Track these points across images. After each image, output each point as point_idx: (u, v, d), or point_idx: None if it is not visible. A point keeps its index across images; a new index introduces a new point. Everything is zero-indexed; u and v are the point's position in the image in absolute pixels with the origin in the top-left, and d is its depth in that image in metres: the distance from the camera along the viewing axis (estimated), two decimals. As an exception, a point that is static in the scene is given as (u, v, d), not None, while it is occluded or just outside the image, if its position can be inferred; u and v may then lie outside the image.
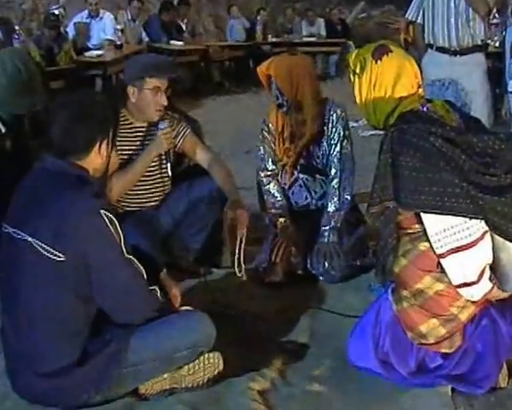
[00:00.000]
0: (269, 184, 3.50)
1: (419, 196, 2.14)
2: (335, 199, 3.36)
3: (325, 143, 3.41)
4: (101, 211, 2.14)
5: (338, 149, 3.38)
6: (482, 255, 2.18)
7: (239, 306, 3.06)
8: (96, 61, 8.36)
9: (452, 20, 4.18)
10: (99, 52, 8.57)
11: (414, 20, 4.48)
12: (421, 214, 2.19)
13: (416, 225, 2.22)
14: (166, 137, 3.25)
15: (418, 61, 3.54)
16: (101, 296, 2.20)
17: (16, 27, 7.41)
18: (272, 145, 3.49)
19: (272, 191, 3.49)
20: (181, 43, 10.04)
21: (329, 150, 3.40)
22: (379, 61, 2.37)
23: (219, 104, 9.41)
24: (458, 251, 2.15)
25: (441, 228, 2.15)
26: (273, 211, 3.48)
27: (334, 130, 3.39)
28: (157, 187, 3.38)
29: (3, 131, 3.12)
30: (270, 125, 3.49)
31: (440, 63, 4.25)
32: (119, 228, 2.18)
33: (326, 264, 3.29)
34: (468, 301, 2.23)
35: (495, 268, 2.24)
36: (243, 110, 8.60)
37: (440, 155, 2.14)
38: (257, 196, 3.67)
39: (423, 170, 2.14)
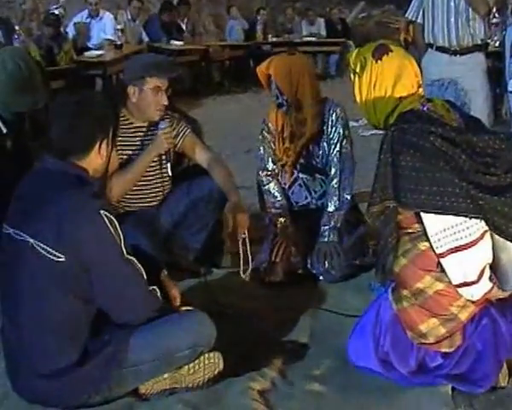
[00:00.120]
0: (269, 183, 3.50)
1: (419, 196, 2.14)
2: (335, 199, 3.36)
3: (325, 143, 3.40)
4: (101, 211, 2.14)
5: (338, 148, 3.38)
6: (482, 255, 2.19)
7: (239, 306, 3.06)
8: (96, 61, 8.36)
9: (452, 19, 4.17)
10: (99, 52, 8.57)
11: (414, 19, 4.48)
12: (421, 214, 2.19)
13: (416, 225, 2.22)
14: (166, 136, 3.25)
15: (418, 60, 3.54)
16: (102, 297, 2.20)
17: (16, 27, 7.44)
18: (272, 145, 3.49)
19: (272, 191, 3.49)
20: (181, 43, 10.04)
21: (329, 150, 3.40)
22: (379, 61, 2.37)
23: (219, 104, 9.41)
24: (458, 251, 2.15)
25: (441, 228, 2.15)
26: (273, 211, 3.48)
27: (333, 129, 3.39)
28: (157, 187, 3.38)
29: (4, 131, 3.12)
30: (270, 124, 3.49)
31: (440, 63, 4.24)
32: (118, 228, 2.18)
33: (326, 263, 3.29)
34: (468, 300, 2.23)
35: (495, 268, 2.24)
36: (243, 110, 8.60)
37: (440, 154, 2.15)
38: (257, 195, 3.67)
39: (423, 169, 2.14)
